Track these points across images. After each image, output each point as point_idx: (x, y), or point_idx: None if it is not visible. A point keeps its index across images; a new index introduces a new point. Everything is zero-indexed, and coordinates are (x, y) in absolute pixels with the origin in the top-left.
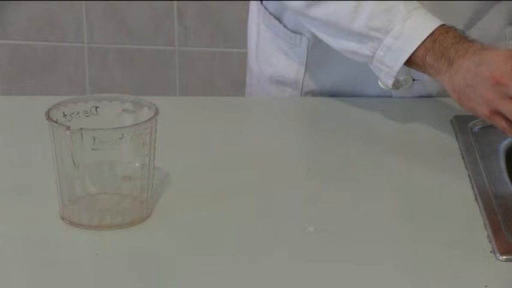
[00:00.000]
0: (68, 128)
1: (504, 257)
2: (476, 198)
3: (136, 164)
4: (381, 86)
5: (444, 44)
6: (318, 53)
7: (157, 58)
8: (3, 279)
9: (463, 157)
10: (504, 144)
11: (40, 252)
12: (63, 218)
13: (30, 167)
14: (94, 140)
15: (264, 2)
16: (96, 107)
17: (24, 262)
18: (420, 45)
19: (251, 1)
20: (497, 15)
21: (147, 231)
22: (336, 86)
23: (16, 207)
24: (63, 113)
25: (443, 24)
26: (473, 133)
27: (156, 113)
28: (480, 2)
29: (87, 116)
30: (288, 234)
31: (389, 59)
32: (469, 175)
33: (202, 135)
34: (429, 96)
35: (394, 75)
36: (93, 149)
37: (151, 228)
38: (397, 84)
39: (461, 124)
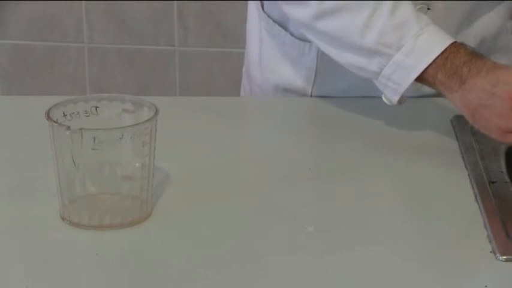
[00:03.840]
0: (68, 128)
1: (504, 257)
2: (476, 198)
3: (137, 164)
4: (385, 101)
5: (456, 62)
6: (327, 60)
7: (157, 58)
8: (3, 279)
9: (463, 157)
10: (504, 144)
11: (40, 252)
12: (63, 218)
13: (30, 167)
14: (94, 140)
15: (266, 9)
16: (96, 107)
17: (24, 262)
18: (431, 63)
19: (249, 8)
20: (498, 9)
21: (147, 231)
22: (345, 92)
23: (16, 207)
24: (63, 113)
25: (455, 42)
26: (473, 133)
27: (156, 113)
28: None
29: (87, 116)
30: (288, 234)
31: (398, 76)
32: (469, 175)
33: (202, 135)
34: (439, 94)
35: (402, 92)
36: (93, 149)
37: (151, 228)
38: (401, 100)
39: (461, 124)
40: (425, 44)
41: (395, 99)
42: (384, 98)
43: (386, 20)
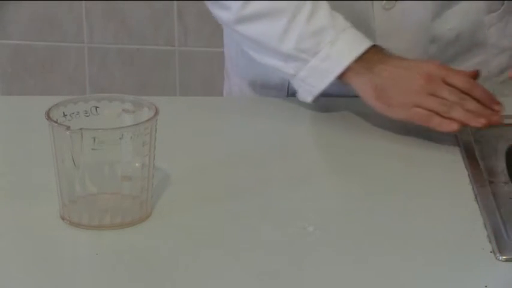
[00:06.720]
0: (68, 128)
1: (504, 257)
2: (476, 198)
3: (137, 164)
4: (299, 98)
5: (367, 55)
6: None
7: (157, 58)
8: (3, 279)
9: (463, 157)
10: (505, 144)
11: (40, 252)
12: (63, 218)
13: (30, 167)
14: (94, 140)
15: None
16: (96, 107)
17: (24, 262)
18: (347, 66)
19: None
20: (474, 3)
21: (147, 231)
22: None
23: (16, 207)
24: (63, 113)
25: (373, 45)
26: (473, 133)
27: (156, 113)
28: None
29: (87, 116)
30: (288, 234)
31: (313, 79)
32: (469, 175)
33: (202, 135)
34: None
35: (316, 94)
36: (93, 149)
37: (151, 228)
38: (314, 100)
39: None
40: (341, 49)
41: (309, 99)
42: (298, 96)
43: (304, 26)
